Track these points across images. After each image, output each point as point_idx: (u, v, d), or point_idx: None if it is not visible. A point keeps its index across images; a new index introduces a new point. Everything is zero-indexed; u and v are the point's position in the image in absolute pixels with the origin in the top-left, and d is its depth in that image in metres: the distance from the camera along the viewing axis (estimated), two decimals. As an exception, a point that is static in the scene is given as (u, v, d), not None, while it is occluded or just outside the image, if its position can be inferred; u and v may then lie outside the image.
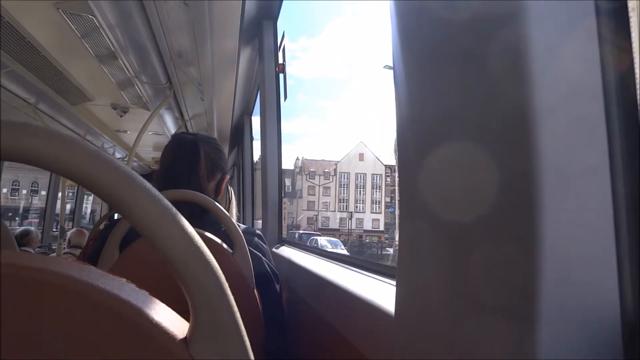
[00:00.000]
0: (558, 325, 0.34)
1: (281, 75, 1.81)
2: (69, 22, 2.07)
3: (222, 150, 1.33)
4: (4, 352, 0.27)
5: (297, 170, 45.17)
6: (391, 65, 0.59)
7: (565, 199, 0.35)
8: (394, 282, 0.77)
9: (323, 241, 24.99)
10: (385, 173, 46.46)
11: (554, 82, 0.36)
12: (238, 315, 0.31)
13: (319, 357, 0.88)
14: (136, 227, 0.28)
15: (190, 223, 0.88)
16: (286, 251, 1.52)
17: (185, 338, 0.30)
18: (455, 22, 0.44)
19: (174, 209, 0.29)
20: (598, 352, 0.35)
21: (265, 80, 1.87)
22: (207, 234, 0.99)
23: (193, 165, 1.23)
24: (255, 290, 1.03)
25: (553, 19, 0.37)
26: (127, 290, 0.30)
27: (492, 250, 0.38)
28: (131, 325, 0.29)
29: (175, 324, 0.30)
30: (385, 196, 45.78)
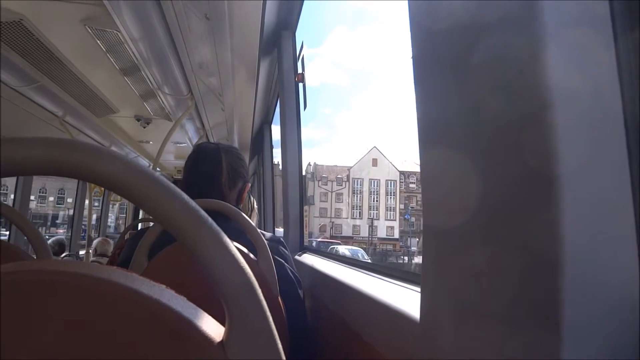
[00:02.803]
0: (582, 332, 0.34)
1: (300, 85, 1.81)
2: (95, 37, 2.12)
3: (243, 159, 1.33)
4: (59, 355, 0.29)
5: (309, 176, 44.68)
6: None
7: (586, 202, 0.35)
8: (418, 289, 0.76)
9: (344, 250, 24.36)
10: (400, 179, 46.04)
11: (571, 82, 0.36)
12: (271, 319, 0.31)
13: None
14: (177, 237, 0.29)
15: (228, 230, 0.86)
16: (308, 258, 1.51)
17: (222, 341, 0.31)
18: (473, 26, 0.44)
19: (211, 220, 0.30)
20: (619, 354, 0.35)
21: (285, 89, 1.88)
22: (232, 242, 0.98)
23: (215, 174, 1.23)
24: (279, 296, 1.02)
25: (569, 21, 0.37)
26: (168, 296, 0.31)
27: (516, 256, 0.38)
28: (172, 329, 0.30)
29: (212, 327, 0.31)
30: (399, 203, 45.33)
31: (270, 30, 1.78)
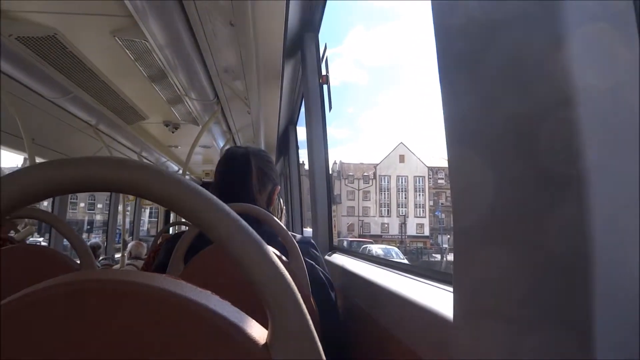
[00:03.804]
0: (613, 329, 0.34)
1: (325, 86, 1.83)
2: (124, 48, 2.20)
3: (272, 162, 1.36)
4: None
5: (335, 174, 44.40)
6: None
7: (618, 200, 0.35)
8: (449, 288, 0.77)
9: (378, 250, 23.77)
10: (428, 175, 45.36)
11: (592, 79, 0.36)
12: (310, 321, 0.33)
13: None
14: (216, 241, 0.32)
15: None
16: (338, 258, 1.52)
17: (266, 343, 0.32)
18: (493, 23, 0.44)
19: (251, 230, 0.33)
20: None
21: (310, 91, 1.90)
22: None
23: (245, 178, 1.26)
24: (311, 298, 1.04)
25: (590, 17, 0.37)
26: (214, 301, 0.33)
27: (549, 254, 0.39)
28: (219, 332, 0.32)
29: (256, 330, 0.33)
30: (429, 199, 44.65)
31: (294, 33, 1.80)
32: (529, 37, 0.40)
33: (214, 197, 0.32)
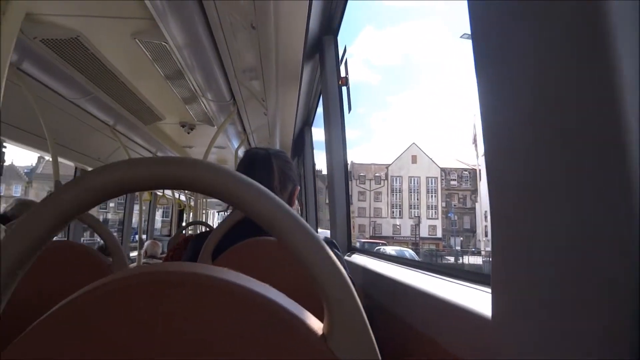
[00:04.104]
0: None
1: (344, 88, 1.85)
2: (143, 49, 2.24)
3: (291, 162, 1.38)
4: (182, 348, 0.33)
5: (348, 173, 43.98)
6: (468, 34, 0.59)
7: None
8: (474, 286, 0.78)
9: (391, 252, 23.34)
10: (441, 176, 45.03)
11: None
12: (364, 313, 0.34)
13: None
14: (279, 240, 0.34)
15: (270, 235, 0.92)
16: (359, 259, 1.54)
17: (323, 334, 0.34)
18: (536, 15, 0.44)
19: (311, 228, 0.35)
20: None
21: (329, 93, 1.92)
22: None
23: (267, 180, 1.29)
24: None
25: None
26: (273, 293, 0.35)
27: (589, 251, 0.39)
28: (281, 323, 0.33)
29: (313, 321, 0.35)
30: (441, 201, 44.32)
31: (313, 36, 1.82)
32: (576, 26, 0.39)
33: (277, 198, 0.34)
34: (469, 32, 0.58)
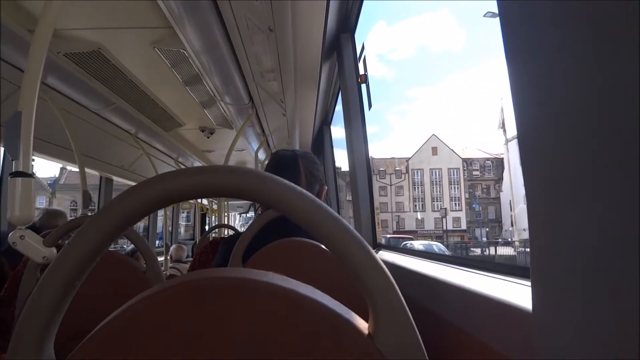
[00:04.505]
0: None
1: (363, 86, 1.86)
2: (162, 57, 2.31)
3: (318, 163, 1.41)
4: (241, 349, 0.34)
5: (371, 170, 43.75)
6: (494, 12, 0.58)
7: None
8: (508, 278, 0.77)
9: (419, 246, 22.30)
10: (463, 167, 44.44)
11: None
12: (409, 312, 0.36)
13: (446, 356, 0.90)
14: (323, 242, 0.35)
15: (300, 235, 0.99)
16: (385, 255, 1.56)
17: (369, 333, 0.35)
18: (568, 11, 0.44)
19: (354, 230, 0.36)
20: None
21: (348, 91, 1.93)
22: (317, 243, 1.07)
23: (294, 180, 1.32)
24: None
25: None
26: (319, 295, 0.36)
27: (632, 243, 0.38)
28: (328, 324, 0.35)
29: (359, 321, 0.36)
30: (465, 191, 43.75)
31: (330, 34, 1.84)
32: (607, 26, 0.40)
33: (319, 201, 0.36)
34: (492, 10, 0.56)
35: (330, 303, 0.36)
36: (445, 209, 42.13)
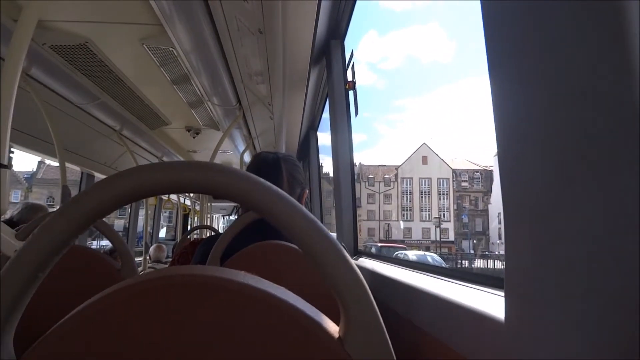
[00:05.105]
0: None
1: (351, 92, 1.91)
2: (151, 54, 2.32)
3: (299, 166, 1.44)
4: (206, 349, 0.34)
5: (355, 177, 43.39)
6: None
7: None
8: (486, 289, 0.78)
9: (413, 257, 21.57)
10: (453, 177, 44.76)
11: None
12: (380, 316, 0.36)
13: None
14: (297, 244, 0.35)
15: (281, 238, 1.01)
16: (366, 262, 1.59)
17: (339, 337, 0.35)
18: (548, 12, 0.45)
19: (328, 232, 0.36)
20: None
21: (335, 97, 1.97)
22: (296, 247, 1.10)
23: (276, 183, 1.34)
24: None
25: None
26: (291, 296, 0.37)
27: (605, 255, 0.39)
28: (298, 326, 0.35)
29: (329, 324, 0.36)
30: (453, 202, 44.03)
31: (320, 40, 1.87)
32: (589, 22, 0.40)
33: (297, 202, 0.36)
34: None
35: (301, 305, 0.36)
36: (439, 217, 42.16)
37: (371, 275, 1.37)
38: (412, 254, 23.58)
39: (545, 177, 0.46)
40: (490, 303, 0.66)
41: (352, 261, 0.35)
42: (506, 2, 0.52)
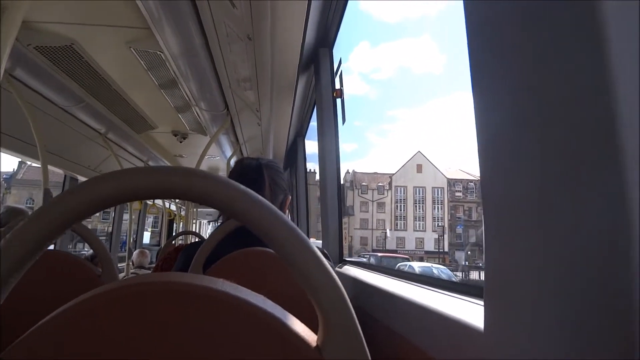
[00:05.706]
0: None
1: (339, 100, 1.95)
2: (138, 57, 2.34)
3: (282, 172, 1.46)
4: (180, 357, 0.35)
5: (347, 184, 43.19)
6: None
7: None
8: (467, 298, 0.81)
9: (418, 269, 20.46)
10: (448, 187, 44.88)
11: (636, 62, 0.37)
12: (359, 325, 0.36)
13: None
14: (276, 251, 0.36)
15: (262, 245, 1.02)
16: (350, 270, 1.61)
17: (317, 345, 0.36)
18: (530, 15, 0.46)
19: (309, 240, 0.36)
20: None
21: (323, 104, 2.00)
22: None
23: (258, 189, 1.36)
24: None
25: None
26: (269, 304, 0.37)
27: (584, 263, 0.40)
28: (275, 334, 0.35)
29: (307, 333, 0.37)
30: (447, 212, 44.12)
31: (309, 47, 1.91)
32: (566, 30, 0.41)
33: (275, 208, 0.36)
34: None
35: (279, 314, 0.36)
36: (443, 226, 42.03)
37: (354, 282, 1.39)
38: (417, 266, 22.67)
39: (523, 188, 0.47)
40: (472, 312, 0.68)
41: (331, 269, 0.36)
42: (488, 3, 0.53)
